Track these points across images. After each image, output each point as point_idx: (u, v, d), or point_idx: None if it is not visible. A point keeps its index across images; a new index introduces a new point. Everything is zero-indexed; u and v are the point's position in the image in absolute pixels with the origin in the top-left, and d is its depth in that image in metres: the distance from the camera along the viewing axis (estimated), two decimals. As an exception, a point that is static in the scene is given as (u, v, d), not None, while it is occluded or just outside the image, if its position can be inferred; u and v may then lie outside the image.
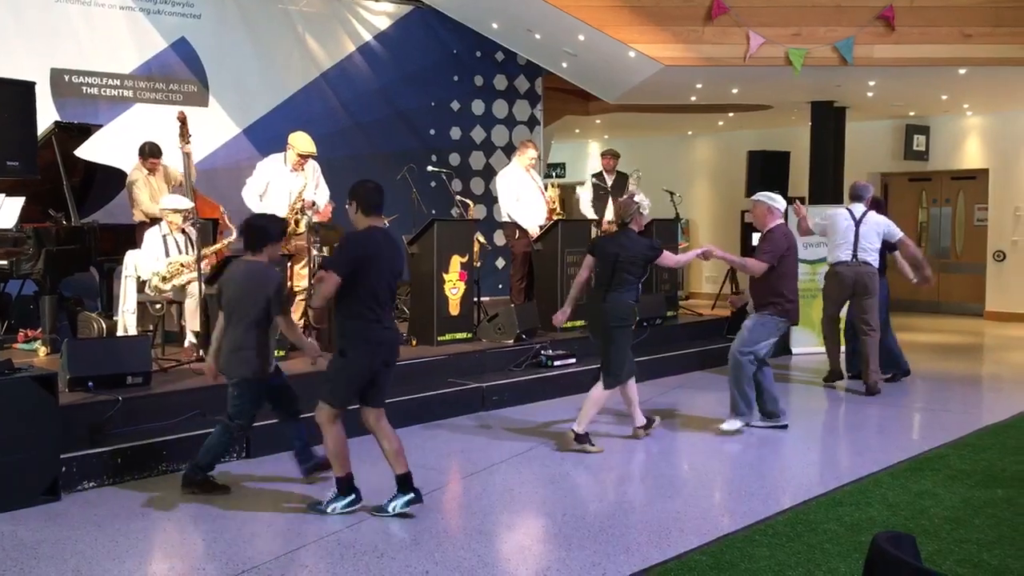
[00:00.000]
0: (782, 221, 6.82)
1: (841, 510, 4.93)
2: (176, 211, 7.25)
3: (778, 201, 6.74)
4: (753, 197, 6.95)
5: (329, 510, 4.83)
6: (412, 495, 4.84)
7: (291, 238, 7.64)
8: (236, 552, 4.35)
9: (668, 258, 6.50)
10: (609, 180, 10.68)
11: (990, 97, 12.06)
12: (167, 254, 7.27)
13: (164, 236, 7.31)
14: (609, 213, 10.30)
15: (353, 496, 4.89)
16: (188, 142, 8.09)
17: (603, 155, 10.75)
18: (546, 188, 9.26)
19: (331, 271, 4.70)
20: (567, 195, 16.17)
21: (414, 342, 8.11)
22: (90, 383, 5.87)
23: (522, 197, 8.95)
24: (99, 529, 4.64)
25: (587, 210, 10.53)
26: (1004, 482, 5.46)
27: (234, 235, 7.40)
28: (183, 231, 7.32)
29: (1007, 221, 13.51)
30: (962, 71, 9.79)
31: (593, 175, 10.84)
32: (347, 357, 4.78)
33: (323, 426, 4.84)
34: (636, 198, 6.32)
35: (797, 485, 5.49)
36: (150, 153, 8.21)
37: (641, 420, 6.60)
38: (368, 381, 4.83)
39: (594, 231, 9.71)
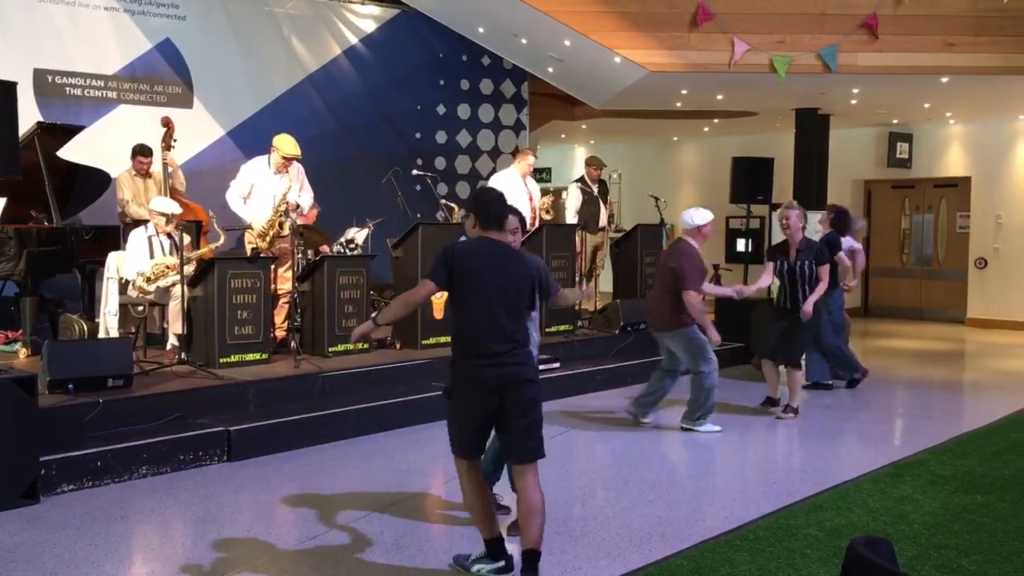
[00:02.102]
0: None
1: (822, 515, 4.95)
2: (161, 213, 7.21)
3: (696, 217, 6.87)
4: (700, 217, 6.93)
5: (473, 569, 4.08)
6: (503, 563, 4.07)
7: (275, 241, 7.62)
8: (216, 556, 4.33)
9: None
10: (594, 188, 10.70)
11: (972, 105, 12.16)
12: (151, 256, 7.24)
13: (150, 237, 7.28)
14: (602, 219, 10.34)
15: (503, 563, 4.05)
16: (170, 148, 8.08)
17: (588, 164, 10.79)
18: (543, 194, 9.29)
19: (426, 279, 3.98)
20: (553, 200, 16.22)
21: (398, 346, 8.11)
22: (70, 385, 5.83)
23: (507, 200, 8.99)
24: (78, 532, 4.61)
25: (571, 216, 10.56)
26: (984, 488, 5.50)
27: (222, 240, 7.37)
28: (168, 235, 7.28)
29: (989, 228, 13.61)
30: (945, 79, 9.87)
31: (576, 181, 10.86)
32: (450, 399, 4.04)
33: (459, 477, 4.10)
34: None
35: (778, 490, 5.50)
36: (140, 152, 8.21)
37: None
38: (483, 425, 4.01)
39: (578, 236, 9.74)
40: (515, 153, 10.03)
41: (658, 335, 7.11)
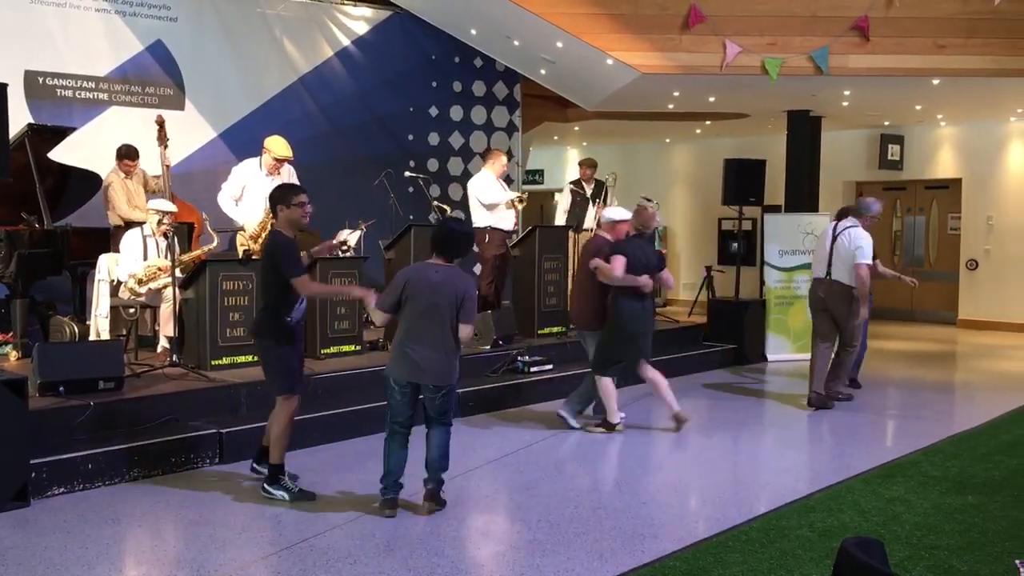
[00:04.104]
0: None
1: (814, 516, 4.96)
2: (160, 212, 7.19)
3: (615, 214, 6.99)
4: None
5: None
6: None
7: (267, 242, 7.59)
8: (207, 559, 4.31)
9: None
10: (588, 188, 10.72)
11: (963, 107, 12.20)
12: (145, 256, 7.22)
13: (146, 238, 7.25)
14: (589, 220, 10.34)
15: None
16: (167, 147, 8.07)
17: (581, 164, 10.78)
18: (520, 201, 9.29)
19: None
20: (546, 201, 16.23)
21: (389, 348, 8.09)
22: (61, 388, 5.81)
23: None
24: (69, 535, 4.59)
25: (561, 218, 10.58)
26: (975, 488, 5.51)
27: (215, 242, 7.36)
28: (164, 235, 7.26)
29: (980, 230, 13.66)
30: (936, 81, 9.90)
31: (571, 183, 10.87)
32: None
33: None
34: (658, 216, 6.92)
35: (771, 491, 5.51)
36: (126, 155, 8.16)
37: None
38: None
39: (571, 236, 9.75)
40: (485, 155, 9.96)
41: (581, 334, 7.26)
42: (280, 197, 5.27)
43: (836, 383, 7.97)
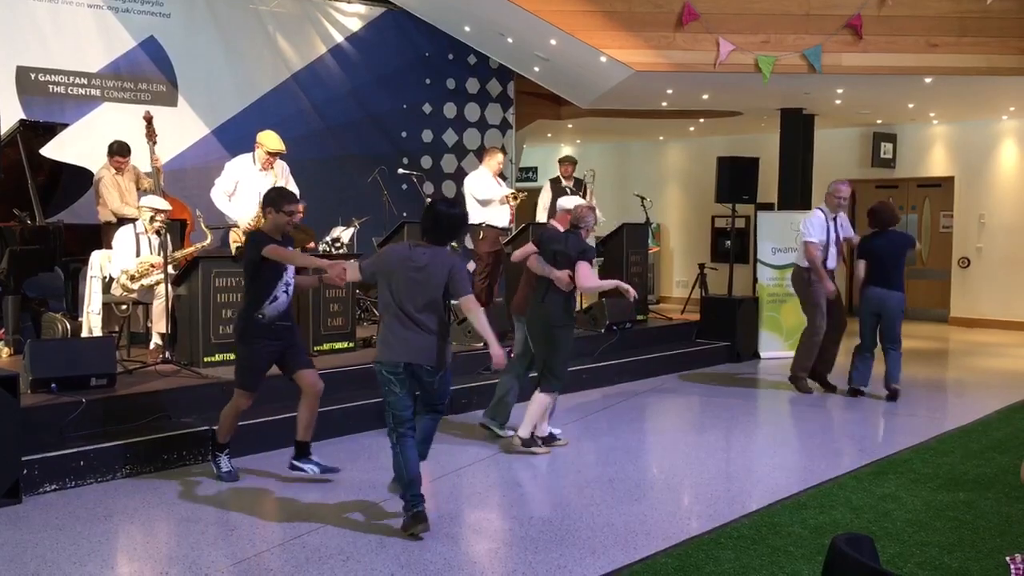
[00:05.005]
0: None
1: (805, 513, 4.97)
2: (153, 209, 7.18)
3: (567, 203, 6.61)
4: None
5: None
6: None
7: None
8: (200, 556, 4.31)
9: (584, 273, 6.07)
10: (568, 186, 10.70)
11: (956, 106, 12.23)
12: (138, 253, 7.20)
13: (138, 235, 7.24)
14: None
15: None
16: (155, 143, 8.06)
17: (560, 162, 10.80)
18: (514, 197, 9.28)
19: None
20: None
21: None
22: (53, 384, 5.80)
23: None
24: (61, 532, 4.58)
25: (542, 215, 10.58)
26: (966, 485, 5.53)
27: (209, 239, 7.34)
28: (157, 232, 7.24)
29: (972, 228, 13.70)
30: (928, 80, 9.93)
31: (551, 180, 10.87)
32: None
33: None
34: (597, 212, 6.29)
35: (763, 488, 5.53)
36: (117, 151, 8.13)
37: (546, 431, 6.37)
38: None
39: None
40: (481, 153, 9.98)
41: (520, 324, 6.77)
42: (273, 201, 5.32)
43: (797, 368, 8.46)
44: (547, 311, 6.14)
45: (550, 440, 6.36)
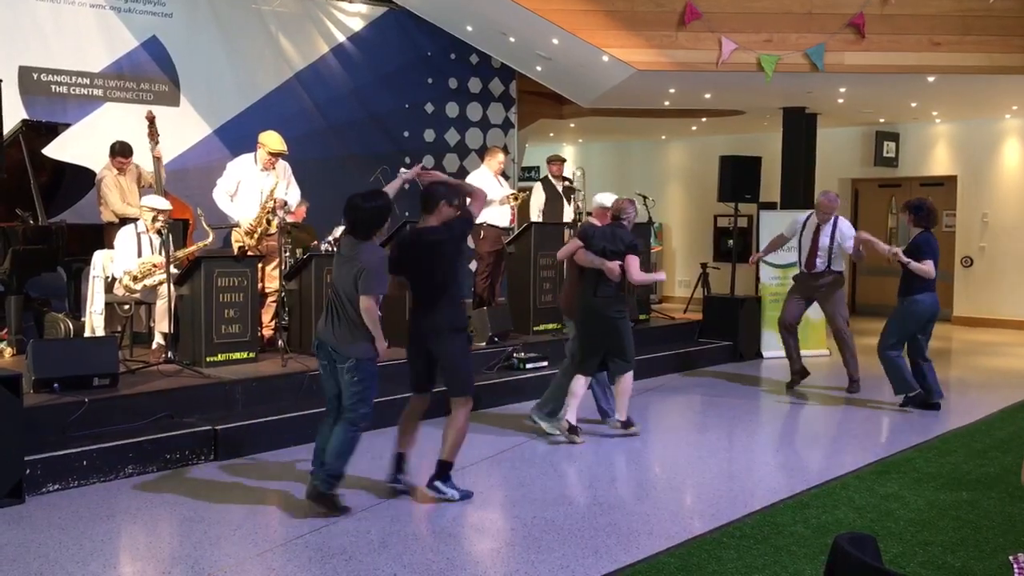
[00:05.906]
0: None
1: (808, 512, 4.97)
2: (154, 209, 7.18)
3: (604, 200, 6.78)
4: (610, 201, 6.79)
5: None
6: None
7: (263, 239, 7.59)
8: (203, 555, 4.31)
9: (635, 267, 6.39)
10: (558, 184, 10.71)
11: (958, 105, 12.21)
12: (140, 253, 7.20)
13: (140, 234, 7.24)
14: (568, 215, 10.34)
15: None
16: (157, 142, 8.05)
17: (549, 161, 10.79)
18: (515, 198, 9.28)
19: None
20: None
21: (387, 344, 8.07)
22: (56, 384, 5.80)
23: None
24: (63, 532, 4.59)
25: (535, 215, 10.58)
26: (969, 485, 5.52)
27: (211, 238, 7.34)
28: (158, 232, 7.24)
29: (975, 227, 13.68)
30: (931, 79, 9.91)
31: (541, 180, 10.87)
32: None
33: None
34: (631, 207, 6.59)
35: (765, 488, 5.52)
36: (120, 152, 8.12)
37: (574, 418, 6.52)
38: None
39: (567, 233, 9.73)
40: (483, 152, 9.99)
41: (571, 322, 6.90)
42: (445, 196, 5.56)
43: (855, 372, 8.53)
44: (601, 303, 6.36)
45: (574, 431, 6.48)
